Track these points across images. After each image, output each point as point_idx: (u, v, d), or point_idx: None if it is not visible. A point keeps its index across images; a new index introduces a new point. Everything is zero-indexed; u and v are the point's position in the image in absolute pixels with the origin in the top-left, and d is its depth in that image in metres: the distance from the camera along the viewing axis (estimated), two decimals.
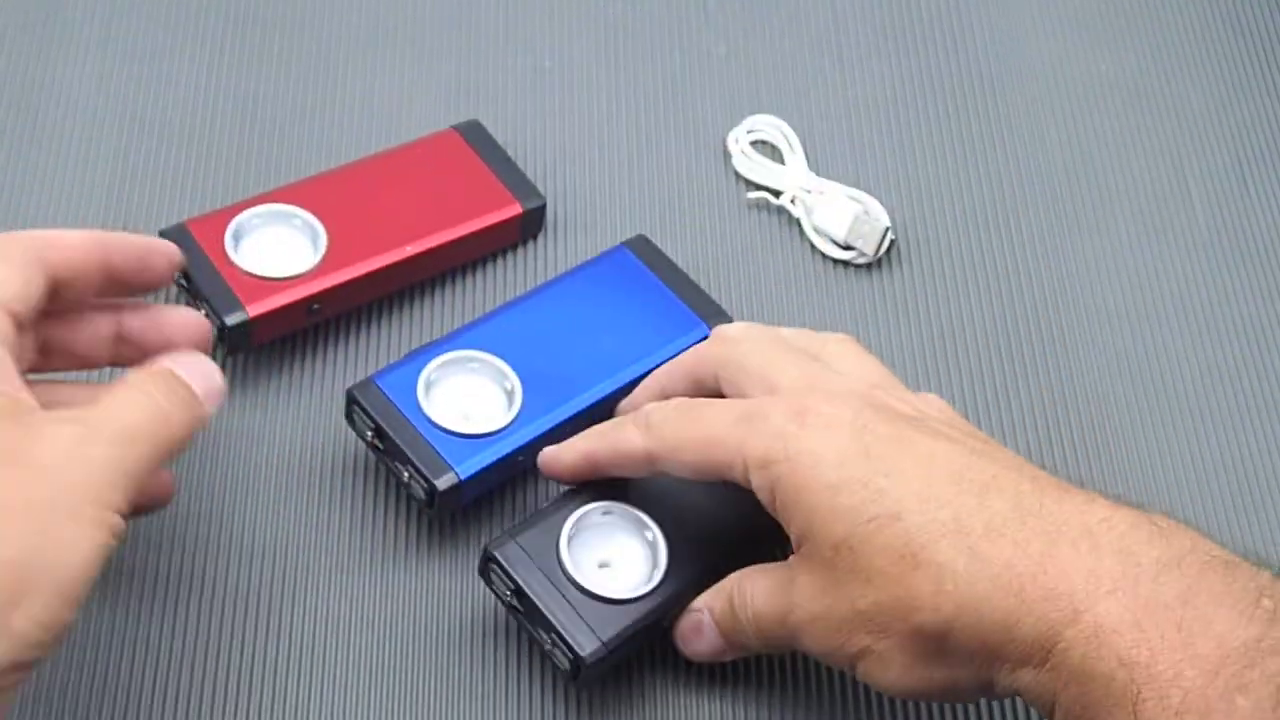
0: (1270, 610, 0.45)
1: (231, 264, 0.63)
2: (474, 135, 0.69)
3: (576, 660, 0.54)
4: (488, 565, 0.56)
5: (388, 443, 0.58)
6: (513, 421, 0.59)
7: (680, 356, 0.59)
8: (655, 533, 0.57)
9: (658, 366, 0.60)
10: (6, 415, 0.46)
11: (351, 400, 0.59)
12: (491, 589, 0.56)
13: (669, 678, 0.58)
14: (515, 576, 0.55)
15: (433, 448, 0.58)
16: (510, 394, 0.60)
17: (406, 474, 0.58)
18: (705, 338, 0.62)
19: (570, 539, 0.56)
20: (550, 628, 0.54)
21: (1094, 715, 0.45)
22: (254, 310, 0.62)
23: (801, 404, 0.52)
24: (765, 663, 0.58)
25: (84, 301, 0.55)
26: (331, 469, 0.62)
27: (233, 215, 0.64)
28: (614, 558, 0.57)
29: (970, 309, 0.69)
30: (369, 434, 0.59)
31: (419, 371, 0.60)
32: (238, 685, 0.57)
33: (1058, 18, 0.79)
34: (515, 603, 0.55)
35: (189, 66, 0.73)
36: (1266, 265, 0.71)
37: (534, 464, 0.58)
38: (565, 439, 0.58)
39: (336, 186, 0.67)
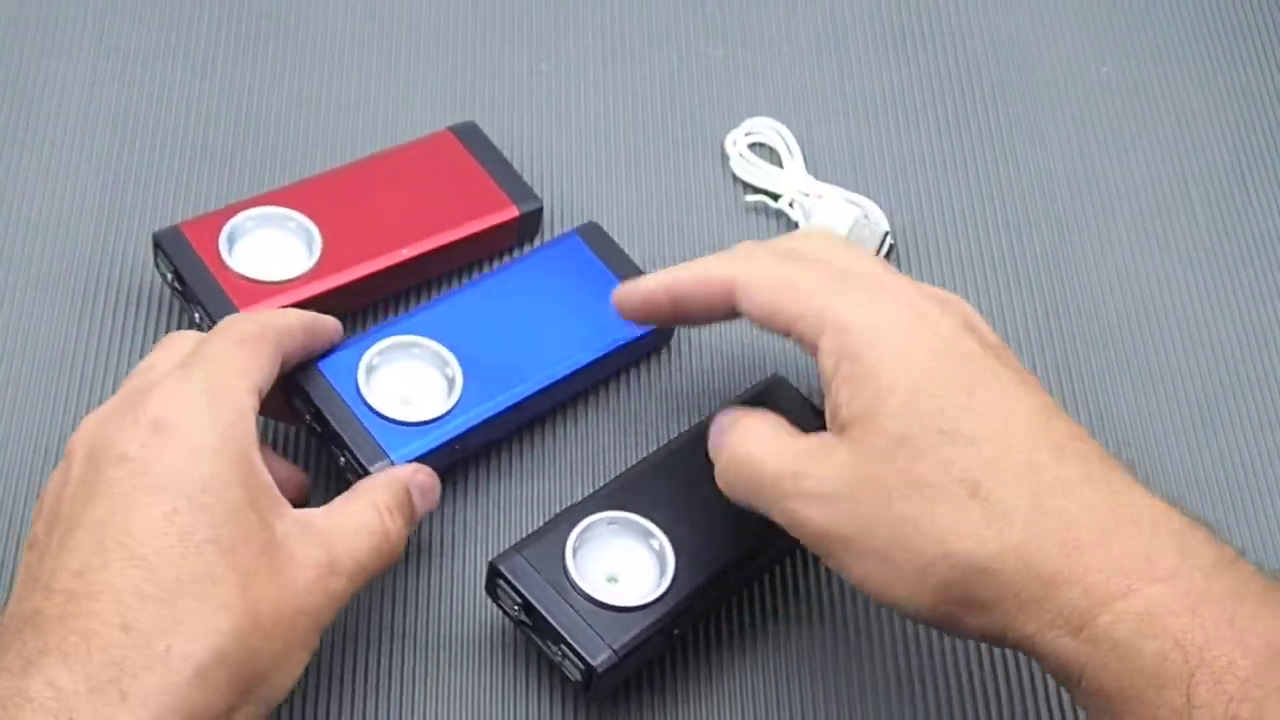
0: None
1: (226, 267, 0.62)
2: (470, 137, 0.69)
3: (588, 670, 0.53)
4: (494, 581, 0.55)
5: (326, 429, 0.58)
6: (452, 408, 0.59)
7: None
8: (662, 540, 0.56)
9: (603, 358, 0.62)
10: (263, 516, 0.49)
11: (292, 385, 0.58)
12: (499, 605, 0.56)
13: (681, 688, 0.58)
14: (522, 590, 0.54)
15: (370, 434, 0.57)
16: (451, 381, 0.60)
17: (343, 459, 0.58)
18: (650, 333, 0.63)
19: (576, 550, 0.55)
20: (560, 639, 0.54)
21: (1137, 692, 0.45)
22: (246, 311, 0.61)
23: (907, 296, 0.51)
24: (784, 672, 0.58)
25: None
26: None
27: (227, 218, 0.64)
28: (621, 567, 0.56)
29: None
30: (308, 418, 0.59)
31: (359, 356, 0.59)
32: None
33: (1057, 20, 0.78)
34: (524, 617, 0.55)
35: (183, 67, 0.73)
36: (1267, 268, 0.71)
37: (476, 451, 0.60)
38: (504, 428, 0.59)
39: (331, 189, 0.66)
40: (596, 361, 0.62)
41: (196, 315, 0.62)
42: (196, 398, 0.50)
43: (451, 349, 0.60)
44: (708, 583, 0.56)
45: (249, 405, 0.52)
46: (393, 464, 0.57)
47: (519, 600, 0.54)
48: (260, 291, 0.62)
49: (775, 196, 0.70)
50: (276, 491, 0.51)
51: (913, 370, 0.49)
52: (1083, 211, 0.72)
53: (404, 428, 0.58)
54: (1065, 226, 0.71)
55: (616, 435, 0.64)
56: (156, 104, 0.71)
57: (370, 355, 0.59)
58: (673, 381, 0.65)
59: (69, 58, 0.73)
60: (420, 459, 0.57)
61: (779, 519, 0.51)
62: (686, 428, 0.61)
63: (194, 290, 0.62)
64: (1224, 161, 0.74)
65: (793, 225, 0.70)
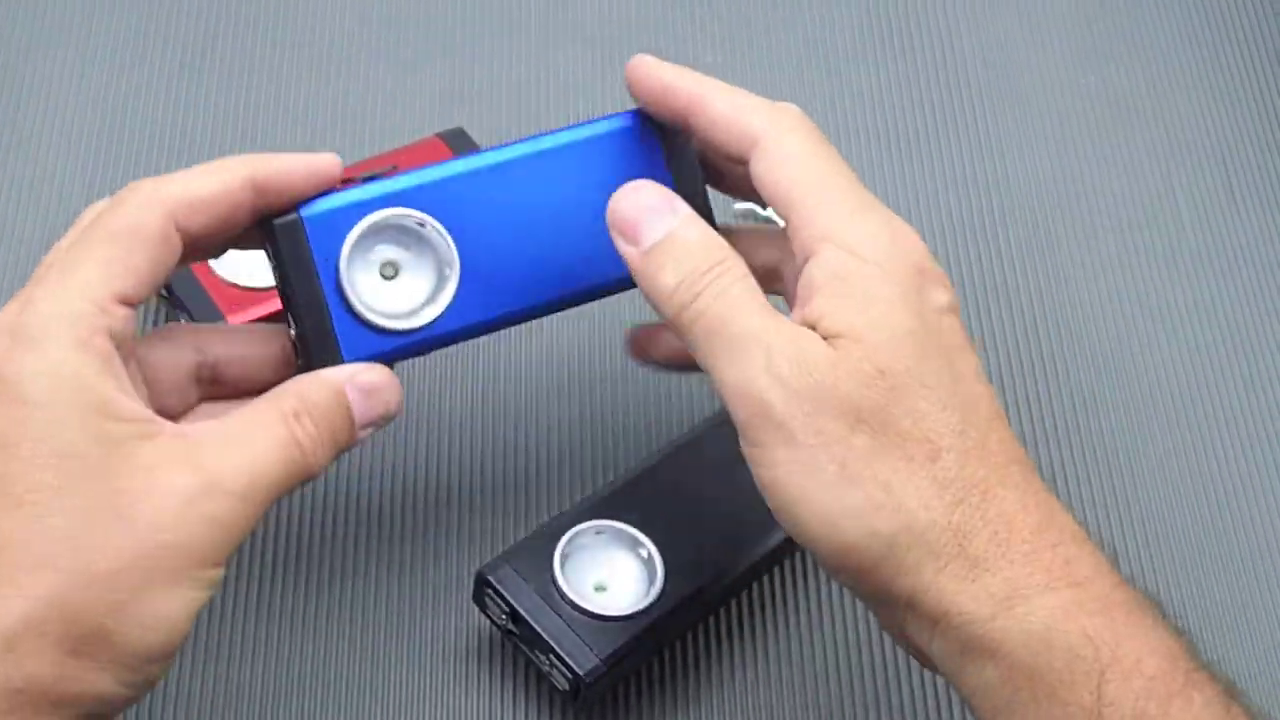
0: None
1: (213, 273, 0.62)
2: (459, 143, 0.69)
3: (576, 680, 0.53)
4: (482, 590, 0.55)
5: (285, 289, 0.50)
6: (443, 313, 0.51)
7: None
8: (650, 549, 0.56)
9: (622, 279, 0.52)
10: (114, 450, 0.44)
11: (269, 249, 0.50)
12: (486, 614, 0.56)
13: (669, 697, 0.58)
14: (510, 599, 0.54)
15: (333, 333, 0.50)
16: (445, 279, 0.51)
17: (293, 332, 0.51)
18: None
19: (564, 559, 0.55)
20: (548, 649, 0.53)
21: (1047, 687, 0.44)
22: (235, 320, 0.61)
23: (918, 256, 0.48)
24: (772, 682, 0.58)
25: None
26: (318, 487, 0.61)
27: None
28: (609, 576, 0.56)
29: None
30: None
31: (348, 226, 0.50)
32: (223, 705, 0.56)
33: (1044, 29, 0.79)
34: (511, 626, 0.55)
35: (171, 72, 0.73)
36: (1253, 276, 0.71)
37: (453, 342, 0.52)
38: (494, 331, 0.52)
39: None
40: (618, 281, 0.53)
41: (182, 321, 0.62)
42: (27, 332, 0.44)
43: (454, 236, 0.51)
44: (696, 592, 0.56)
45: (99, 325, 0.45)
46: (343, 359, 0.49)
47: (507, 609, 0.54)
48: (247, 298, 0.62)
49: (764, 204, 0.70)
50: (143, 414, 0.45)
51: (909, 318, 0.47)
52: (1068, 219, 0.72)
53: (374, 332, 0.50)
54: (1051, 234, 0.72)
55: (604, 443, 0.63)
56: (142, 106, 0.71)
57: (356, 236, 0.50)
58: (663, 391, 0.65)
59: (56, 62, 0.72)
60: (382, 358, 0.50)
61: (725, 377, 0.47)
62: (675, 436, 0.61)
63: (181, 296, 0.62)
64: (1210, 170, 0.74)
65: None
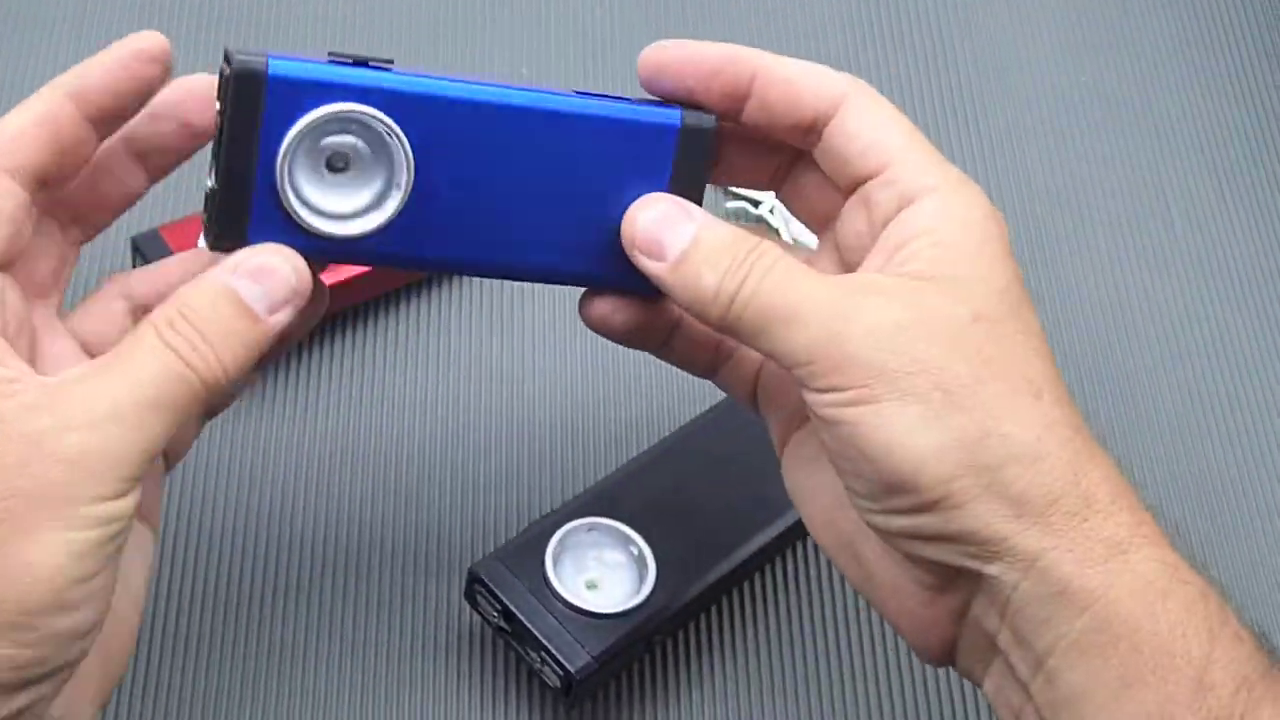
0: None
1: (186, 237, 0.62)
2: None
3: (567, 677, 0.53)
4: (474, 587, 0.55)
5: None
6: (375, 231, 0.46)
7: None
8: (641, 547, 0.56)
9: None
10: None
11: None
12: (478, 611, 0.56)
13: (661, 694, 0.58)
14: (502, 597, 0.54)
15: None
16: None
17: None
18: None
19: (556, 557, 0.55)
20: (539, 646, 0.54)
21: (1157, 641, 0.42)
22: None
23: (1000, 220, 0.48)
24: (763, 679, 0.58)
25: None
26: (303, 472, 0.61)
27: None
28: (601, 573, 0.56)
29: None
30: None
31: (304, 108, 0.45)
32: (215, 698, 0.56)
33: (1036, 29, 0.79)
34: (503, 623, 0.55)
35: None
36: (1243, 276, 0.71)
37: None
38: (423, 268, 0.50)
39: None
40: None
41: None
42: None
43: (419, 157, 0.46)
44: (687, 589, 0.56)
45: None
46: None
47: (498, 607, 0.54)
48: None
49: (756, 203, 0.71)
50: (9, 362, 0.43)
51: (1006, 274, 0.46)
52: (1060, 219, 0.72)
53: (293, 225, 0.45)
54: (1043, 234, 0.72)
55: (596, 441, 0.64)
56: None
57: (311, 120, 0.45)
58: (654, 387, 0.65)
59: (49, 57, 0.72)
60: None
61: (794, 338, 0.44)
62: (667, 434, 0.61)
63: (150, 260, 0.61)
64: (1201, 170, 0.74)
65: (773, 231, 0.70)
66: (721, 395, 0.63)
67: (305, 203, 0.45)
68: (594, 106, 0.48)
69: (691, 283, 0.46)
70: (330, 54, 0.45)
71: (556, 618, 0.54)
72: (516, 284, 0.66)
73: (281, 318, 0.44)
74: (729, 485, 0.58)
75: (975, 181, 0.48)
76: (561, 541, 0.56)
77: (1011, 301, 0.45)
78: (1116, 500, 0.43)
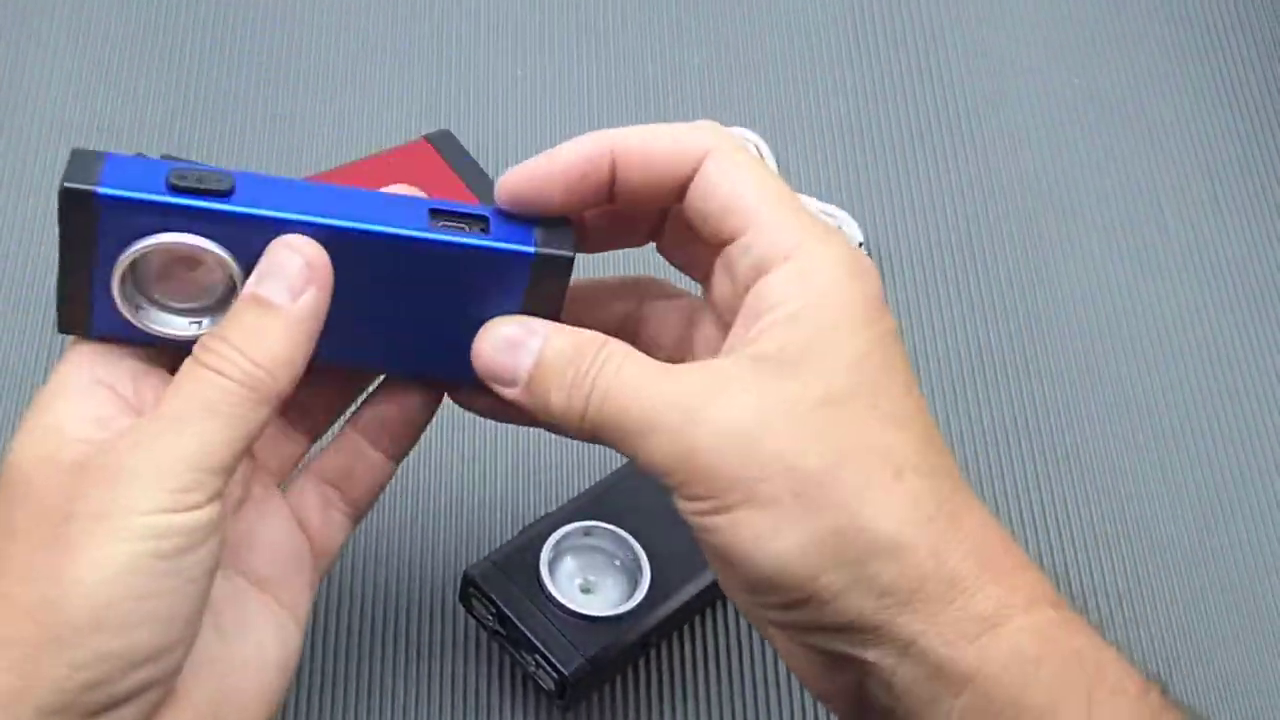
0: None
1: None
2: (446, 145, 0.69)
3: (562, 680, 0.53)
4: (469, 590, 0.55)
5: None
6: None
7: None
8: (637, 551, 0.56)
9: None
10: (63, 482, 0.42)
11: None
12: (473, 615, 0.56)
13: (655, 697, 0.58)
14: (497, 600, 0.54)
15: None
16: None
17: None
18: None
19: (551, 560, 0.56)
20: (534, 649, 0.54)
21: (1035, 711, 0.42)
22: None
23: (868, 279, 0.46)
24: (757, 683, 0.58)
25: None
26: None
27: None
28: (595, 577, 0.56)
29: (942, 324, 0.69)
30: None
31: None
32: None
33: (1030, 32, 0.79)
34: (498, 626, 0.55)
35: (159, 73, 0.73)
36: (1237, 279, 0.71)
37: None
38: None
39: None
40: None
41: None
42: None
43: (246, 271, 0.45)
44: (682, 593, 0.56)
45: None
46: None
47: (493, 610, 0.55)
48: None
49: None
50: (95, 438, 0.43)
51: (865, 344, 0.44)
52: (1054, 222, 0.73)
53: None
54: (1037, 237, 0.72)
55: (591, 445, 0.63)
56: (132, 109, 0.71)
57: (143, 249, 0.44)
58: None
59: (46, 63, 0.72)
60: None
61: (649, 450, 0.44)
62: None
63: None
64: (1195, 174, 0.75)
65: None
66: None
67: (142, 307, 0.45)
68: (444, 234, 0.46)
69: (543, 404, 0.45)
70: (172, 176, 0.43)
71: (551, 621, 0.54)
72: None
73: (308, 298, 0.44)
74: None
75: (843, 238, 0.46)
76: (556, 545, 0.56)
77: (868, 372, 0.44)
78: (983, 573, 0.43)
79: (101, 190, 0.43)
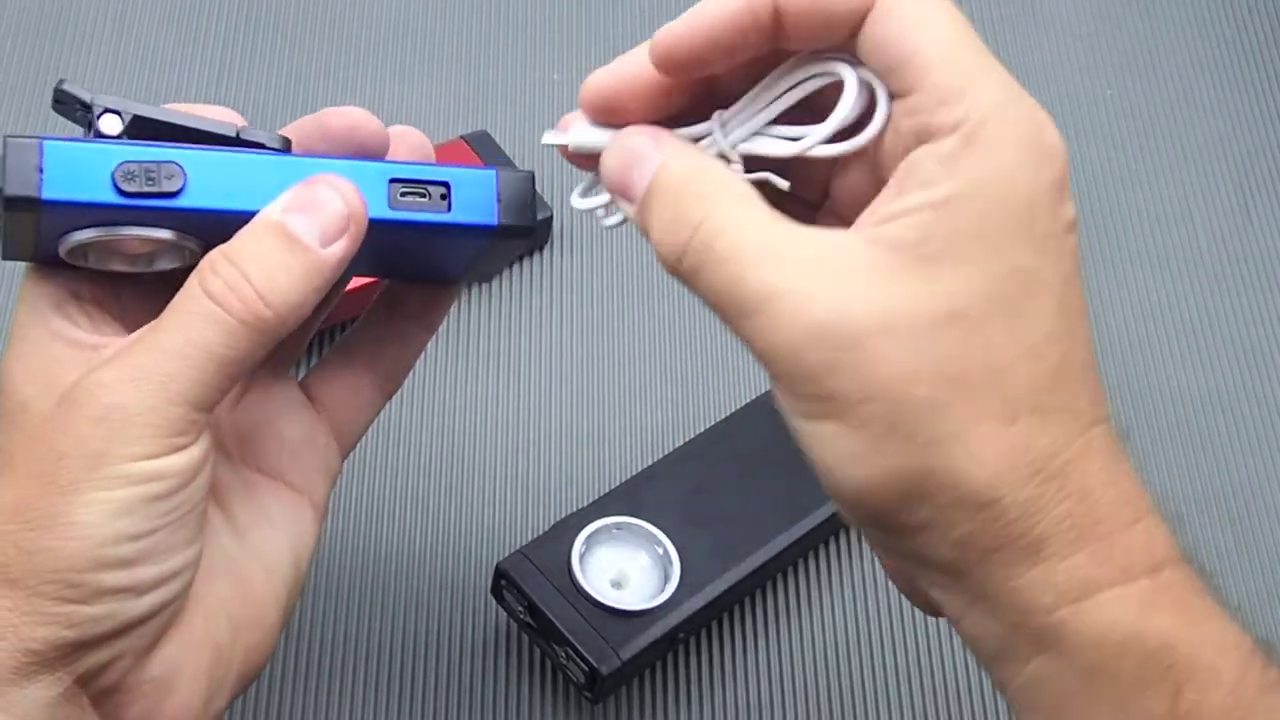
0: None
1: None
2: (482, 146, 0.69)
3: (592, 673, 0.54)
4: (500, 584, 0.56)
5: None
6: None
7: None
8: (667, 546, 0.57)
9: None
10: (61, 378, 0.42)
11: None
12: (504, 606, 0.56)
13: (684, 689, 0.58)
14: (529, 593, 0.55)
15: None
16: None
17: None
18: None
19: (582, 554, 0.56)
20: (565, 642, 0.54)
21: (1115, 693, 0.38)
22: None
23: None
24: (786, 677, 0.59)
25: None
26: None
27: None
28: (627, 572, 0.57)
29: None
30: None
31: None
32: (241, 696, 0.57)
33: (1062, 43, 0.79)
34: (529, 619, 0.55)
35: (200, 71, 0.73)
36: (1268, 291, 0.71)
37: None
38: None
39: None
40: None
41: None
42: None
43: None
44: (712, 588, 0.56)
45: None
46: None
47: (525, 603, 0.55)
48: None
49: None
50: (87, 340, 0.43)
51: (1021, 251, 0.38)
52: (1085, 233, 0.72)
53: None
54: None
55: (623, 440, 0.64)
56: (170, 98, 0.72)
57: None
58: (681, 390, 0.66)
59: (88, 60, 0.73)
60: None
61: (746, 331, 0.38)
62: (693, 435, 0.62)
63: None
64: (1225, 185, 0.75)
65: None
66: (748, 397, 0.64)
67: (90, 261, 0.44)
68: (404, 212, 0.44)
69: (648, 232, 0.41)
70: (118, 176, 0.41)
71: (582, 615, 0.55)
72: (551, 291, 0.67)
73: (338, 248, 0.42)
74: (754, 486, 0.59)
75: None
76: (588, 539, 0.56)
77: (1017, 285, 0.38)
78: (1078, 539, 0.38)
79: (46, 197, 0.41)
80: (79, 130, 0.44)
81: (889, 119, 0.39)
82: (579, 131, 0.43)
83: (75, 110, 0.43)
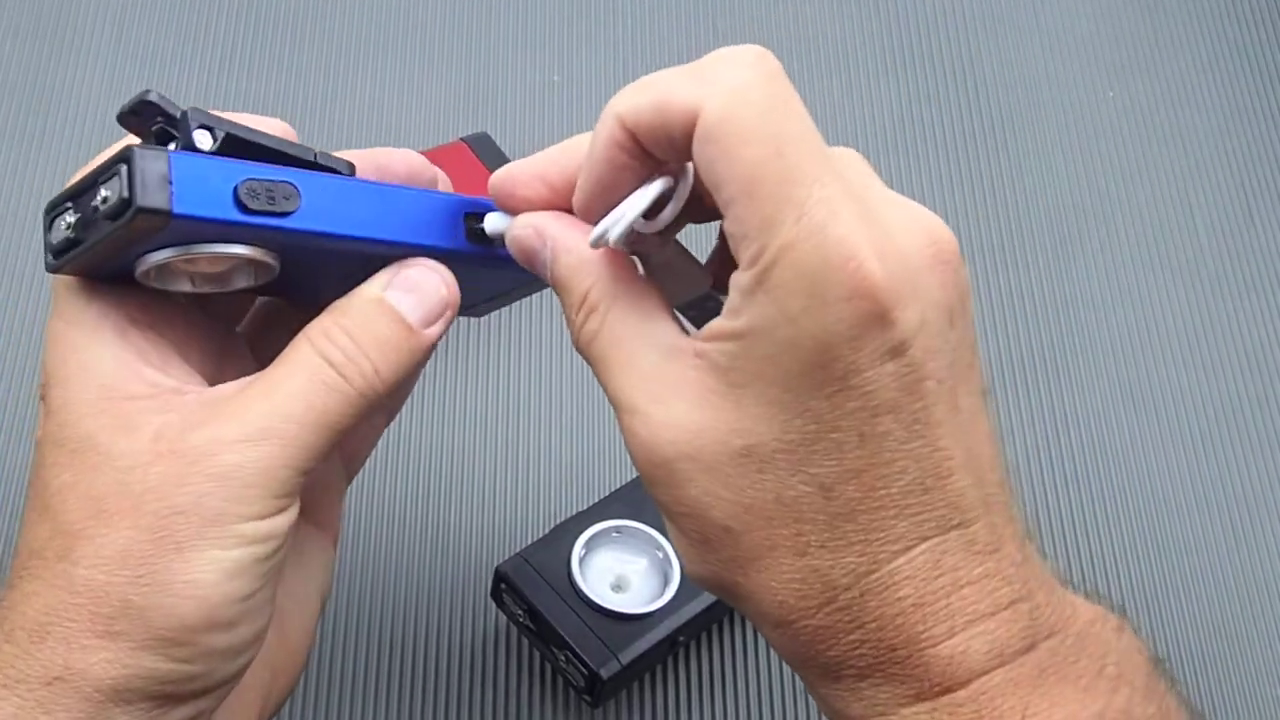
0: (1113, 677, 0.40)
1: None
2: (482, 147, 0.69)
3: (592, 676, 0.54)
4: (500, 587, 0.56)
5: None
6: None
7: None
8: (667, 550, 0.57)
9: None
10: (124, 431, 0.41)
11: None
12: (504, 610, 0.56)
13: (684, 693, 0.58)
14: (528, 596, 0.55)
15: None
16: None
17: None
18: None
19: (582, 558, 0.56)
20: (565, 646, 0.54)
21: None
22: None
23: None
24: (785, 681, 0.59)
25: None
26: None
27: None
28: (627, 575, 0.57)
29: (977, 332, 0.69)
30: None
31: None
32: None
33: (1064, 45, 0.79)
34: (528, 622, 0.55)
35: (199, 72, 0.73)
36: (1269, 291, 0.71)
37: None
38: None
39: None
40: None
41: None
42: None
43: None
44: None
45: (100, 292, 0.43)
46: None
47: (524, 606, 0.55)
48: None
49: None
50: (163, 384, 0.42)
51: (809, 386, 0.39)
52: (1087, 233, 0.73)
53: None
54: (1070, 250, 0.72)
55: (624, 445, 0.64)
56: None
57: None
58: None
59: (88, 60, 0.73)
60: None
61: (620, 421, 0.42)
62: None
63: None
64: (1227, 186, 0.75)
65: None
66: None
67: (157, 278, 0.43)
68: (482, 249, 0.45)
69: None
70: (242, 192, 0.41)
71: (582, 618, 0.54)
72: (551, 293, 0.67)
73: (436, 330, 0.44)
74: None
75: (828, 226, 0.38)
76: (588, 543, 0.56)
77: (806, 430, 0.39)
78: (875, 662, 0.40)
79: (178, 211, 0.40)
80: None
81: (681, 208, 0.42)
82: (493, 220, 0.45)
83: (152, 122, 0.42)
